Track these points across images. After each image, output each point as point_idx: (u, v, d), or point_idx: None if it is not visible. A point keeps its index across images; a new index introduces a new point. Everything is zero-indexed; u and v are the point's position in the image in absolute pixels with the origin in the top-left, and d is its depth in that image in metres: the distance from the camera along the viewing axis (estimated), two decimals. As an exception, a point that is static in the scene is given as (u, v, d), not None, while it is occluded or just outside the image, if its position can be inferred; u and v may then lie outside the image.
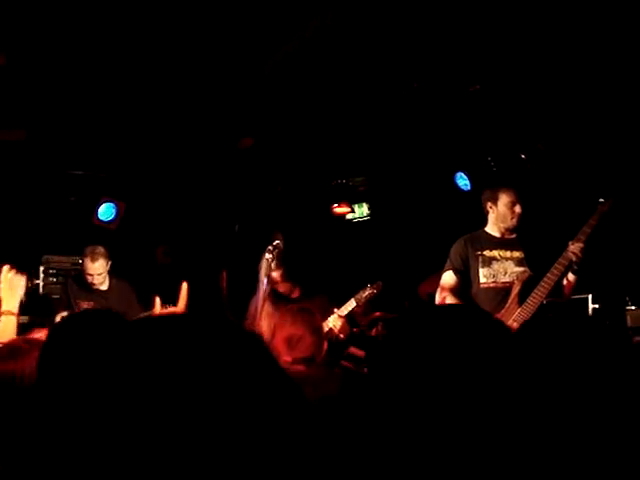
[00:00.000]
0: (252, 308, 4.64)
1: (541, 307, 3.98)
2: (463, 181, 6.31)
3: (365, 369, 4.99)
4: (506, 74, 4.87)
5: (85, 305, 5.42)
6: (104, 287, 5.56)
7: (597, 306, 5.54)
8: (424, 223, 6.90)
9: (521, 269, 4.20)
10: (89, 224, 6.64)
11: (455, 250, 4.33)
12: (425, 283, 5.93)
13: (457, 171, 6.32)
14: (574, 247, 3.96)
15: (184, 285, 3.33)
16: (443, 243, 4.50)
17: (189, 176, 6.90)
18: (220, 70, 4.88)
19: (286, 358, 2.97)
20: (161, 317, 0.88)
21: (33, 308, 6.32)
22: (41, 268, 6.82)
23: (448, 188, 6.35)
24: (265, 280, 4.46)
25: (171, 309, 3.64)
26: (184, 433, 0.72)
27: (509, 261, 4.24)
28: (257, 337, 0.86)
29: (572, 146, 5.53)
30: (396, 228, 7.29)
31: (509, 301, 4.12)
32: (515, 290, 4.13)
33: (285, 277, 5.00)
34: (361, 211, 7.67)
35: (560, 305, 4.18)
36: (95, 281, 5.46)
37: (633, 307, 5.32)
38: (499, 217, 4.30)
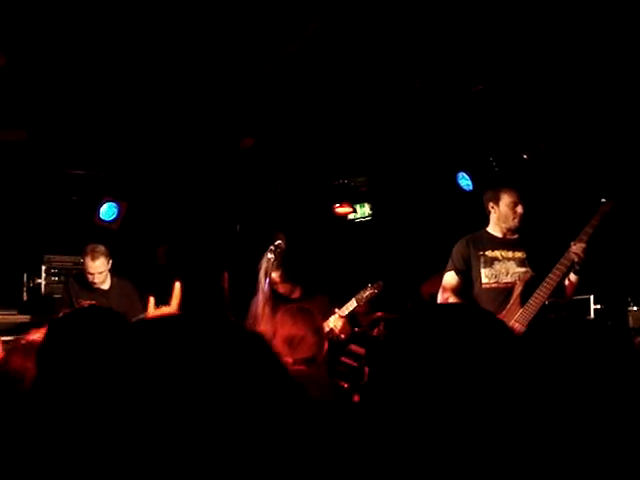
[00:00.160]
0: (253, 308, 4.63)
1: (543, 307, 3.97)
2: (465, 181, 6.31)
3: (365, 366, 5.00)
4: (508, 75, 4.87)
5: (86, 304, 5.41)
6: (105, 286, 5.54)
7: (599, 307, 5.54)
8: (426, 223, 6.89)
9: (523, 269, 4.20)
10: (91, 224, 6.64)
11: (457, 250, 4.33)
12: (427, 283, 5.93)
13: (459, 171, 6.32)
14: (576, 247, 3.96)
15: (177, 285, 3.33)
16: (445, 243, 4.50)
17: (191, 176, 6.89)
18: (221, 70, 4.88)
19: (287, 359, 2.96)
20: (162, 317, 0.88)
21: (35, 307, 6.35)
22: (43, 267, 6.82)
23: (450, 188, 6.35)
24: (266, 280, 4.45)
25: (164, 309, 3.64)
26: (186, 431, 0.72)
27: (511, 261, 4.23)
28: (260, 337, 0.86)
29: (574, 146, 5.53)
30: (398, 228, 7.29)
31: (511, 301, 4.11)
32: (517, 290, 4.12)
33: (284, 278, 4.97)
34: (363, 211, 7.67)
35: (562, 306, 4.17)
36: (96, 280, 5.43)
37: (635, 308, 5.31)
38: (501, 217, 4.29)
